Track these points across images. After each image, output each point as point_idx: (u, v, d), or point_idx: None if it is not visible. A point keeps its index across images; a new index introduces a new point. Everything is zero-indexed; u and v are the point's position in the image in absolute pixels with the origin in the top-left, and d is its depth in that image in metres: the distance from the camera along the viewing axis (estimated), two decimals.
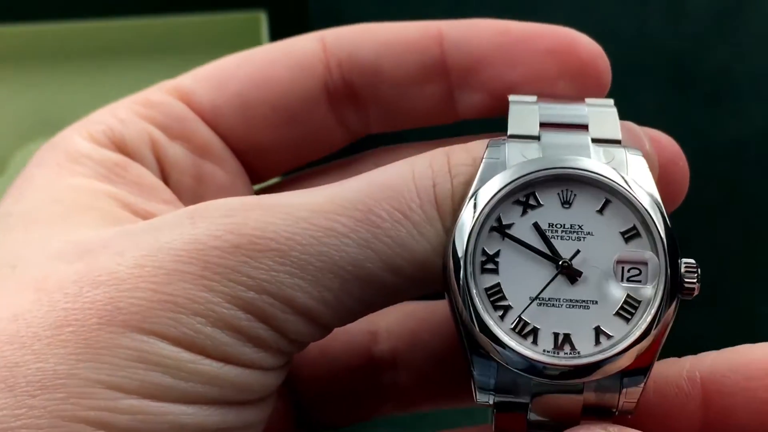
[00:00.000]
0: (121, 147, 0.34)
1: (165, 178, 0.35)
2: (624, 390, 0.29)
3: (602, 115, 0.31)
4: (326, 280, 0.28)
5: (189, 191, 0.35)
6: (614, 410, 0.29)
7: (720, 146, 0.67)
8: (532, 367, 0.28)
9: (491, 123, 0.35)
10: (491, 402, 0.29)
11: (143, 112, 0.35)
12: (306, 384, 0.38)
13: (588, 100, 0.32)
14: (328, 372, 0.38)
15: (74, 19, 0.60)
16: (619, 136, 0.31)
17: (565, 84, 0.34)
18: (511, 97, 0.32)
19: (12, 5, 0.59)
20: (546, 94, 0.33)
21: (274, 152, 0.37)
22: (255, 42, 0.60)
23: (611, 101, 0.33)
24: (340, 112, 0.36)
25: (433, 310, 0.37)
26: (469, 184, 0.29)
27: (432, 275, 0.29)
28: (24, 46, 0.61)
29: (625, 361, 0.28)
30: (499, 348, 0.28)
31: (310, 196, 0.29)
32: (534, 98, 0.32)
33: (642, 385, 0.29)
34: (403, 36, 0.35)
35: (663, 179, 0.32)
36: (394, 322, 0.38)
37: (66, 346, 0.27)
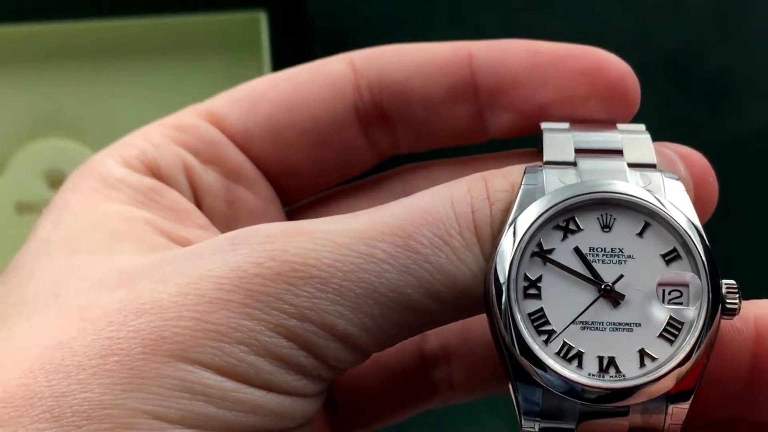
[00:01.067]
0: (155, 172, 0.34)
1: (198, 203, 0.35)
2: (670, 411, 0.28)
3: (636, 140, 0.32)
4: (367, 307, 0.28)
5: (221, 216, 0.35)
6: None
7: (720, 146, 0.67)
8: (573, 390, 0.28)
9: (515, 140, 0.36)
10: (536, 429, 0.29)
11: (176, 136, 0.35)
12: (358, 391, 0.38)
13: (620, 126, 0.33)
14: (380, 376, 0.38)
15: (74, 19, 0.60)
16: (654, 160, 0.31)
17: (595, 104, 0.34)
18: (544, 125, 0.33)
19: (12, 5, 0.59)
20: (577, 114, 0.34)
21: (305, 174, 0.37)
22: (255, 42, 0.60)
23: (643, 126, 0.33)
24: (370, 134, 0.37)
25: None
26: (507, 210, 0.29)
27: (471, 301, 0.29)
28: (24, 46, 0.61)
29: (669, 382, 0.28)
30: (540, 371, 0.28)
31: (349, 223, 0.29)
32: (566, 125, 0.33)
33: (687, 406, 0.28)
34: (433, 57, 0.35)
35: (694, 196, 0.32)
36: None
37: (111, 376, 0.27)
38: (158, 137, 0.35)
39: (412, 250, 0.29)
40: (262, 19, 0.59)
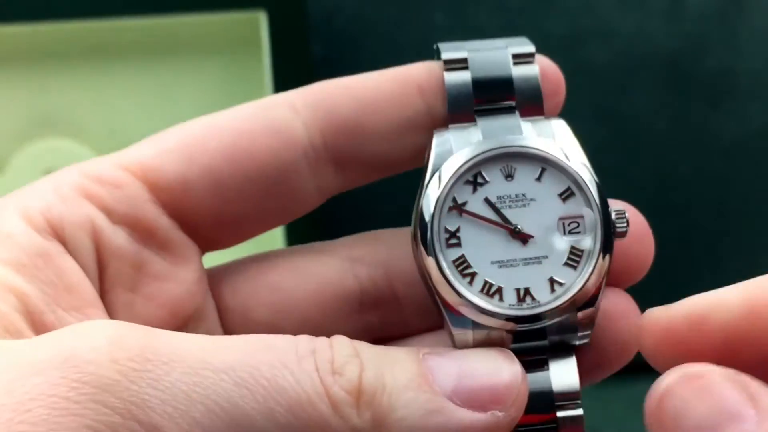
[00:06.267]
0: (58, 230, 0.32)
1: (102, 266, 0.34)
2: (580, 317, 0.33)
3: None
4: (197, 413, 0.27)
5: (126, 279, 0.34)
6: (575, 342, 0.34)
7: (720, 146, 0.67)
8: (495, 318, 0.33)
9: None
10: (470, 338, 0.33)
11: (91, 190, 0.33)
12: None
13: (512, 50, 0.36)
14: None
15: (74, 19, 0.60)
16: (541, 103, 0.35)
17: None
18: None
19: (12, 5, 0.59)
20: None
21: (244, 222, 0.36)
22: (255, 42, 0.60)
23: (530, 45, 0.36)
24: (319, 177, 0.36)
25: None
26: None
27: (308, 426, 0.29)
28: (24, 46, 0.61)
29: (579, 301, 0.33)
30: (466, 308, 0.33)
31: (206, 338, 0.29)
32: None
33: (595, 308, 0.33)
34: (381, 91, 0.35)
35: (627, 256, 0.35)
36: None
37: None
38: (70, 190, 0.33)
39: (252, 366, 0.29)
40: (262, 19, 0.59)
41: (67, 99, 0.63)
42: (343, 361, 0.30)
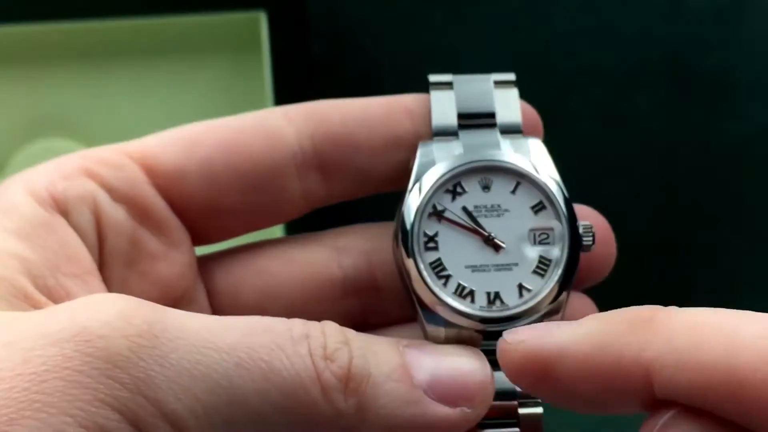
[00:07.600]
0: (61, 204, 0.34)
1: (101, 240, 0.35)
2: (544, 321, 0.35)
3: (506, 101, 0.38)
4: (198, 391, 0.29)
5: (122, 255, 0.36)
6: None
7: (720, 146, 0.67)
8: (468, 319, 0.35)
9: None
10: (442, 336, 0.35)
11: (94, 169, 0.35)
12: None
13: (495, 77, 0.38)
14: None
15: (74, 19, 0.60)
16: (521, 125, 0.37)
17: None
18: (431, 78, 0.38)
19: (12, 5, 0.59)
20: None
21: (232, 217, 0.38)
22: (255, 42, 0.60)
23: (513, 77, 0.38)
24: (305, 183, 0.38)
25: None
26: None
27: (298, 406, 0.30)
28: (24, 46, 0.61)
29: (544, 307, 0.35)
30: (440, 307, 0.35)
31: (209, 318, 0.30)
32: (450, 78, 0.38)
33: (559, 316, 0.35)
34: (372, 110, 0.38)
35: (590, 258, 0.37)
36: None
37: None
38: (73, 169, 0.35)
39: (251, 347, 0.30)
40: (262, 19, 0.59)
41: (67, 99, 0.63)
42: (334, 347, 0.31)
